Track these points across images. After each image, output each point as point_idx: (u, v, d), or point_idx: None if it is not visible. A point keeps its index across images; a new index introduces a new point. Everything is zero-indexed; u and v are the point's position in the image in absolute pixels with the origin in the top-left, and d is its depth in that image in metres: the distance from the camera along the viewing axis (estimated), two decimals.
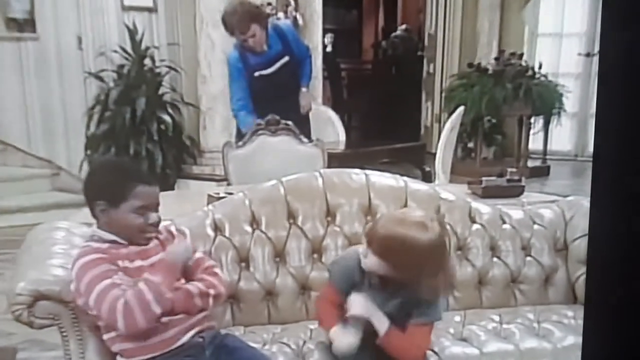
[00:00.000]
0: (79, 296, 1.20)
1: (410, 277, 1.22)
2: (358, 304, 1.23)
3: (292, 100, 2.84)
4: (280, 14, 3.91)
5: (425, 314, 1.26)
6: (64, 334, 1.24)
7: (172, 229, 1.37)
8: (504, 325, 1.52)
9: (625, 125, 0.44)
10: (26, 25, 3.99)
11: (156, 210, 1.27)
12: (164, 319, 1.22)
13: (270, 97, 2.71)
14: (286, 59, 2.77)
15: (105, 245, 1.24)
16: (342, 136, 3.54)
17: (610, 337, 0.46)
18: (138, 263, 1.24)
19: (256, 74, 2.72)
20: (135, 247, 1.26)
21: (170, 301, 1.20)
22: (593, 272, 0.48)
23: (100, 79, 3.78)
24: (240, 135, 2.71)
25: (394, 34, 6.76)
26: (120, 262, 1.23)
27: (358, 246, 1.33)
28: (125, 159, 1.32)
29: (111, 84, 3.77)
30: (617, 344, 0.46)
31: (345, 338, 1.24)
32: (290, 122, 2.55)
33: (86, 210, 2.99)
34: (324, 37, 4.69)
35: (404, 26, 6.79)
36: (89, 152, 3.78)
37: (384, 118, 5.99)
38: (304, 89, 2.90)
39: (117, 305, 1.15)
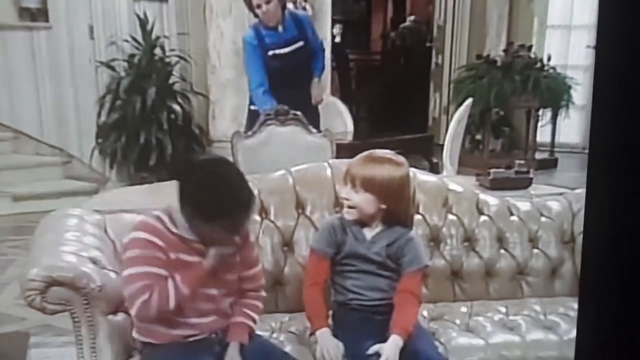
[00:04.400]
0: (120, 264, 1.24)
1: (394, 204, 1.35)
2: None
3: (304, 90, 2.88)
4: (290, 4, 3.92)
5: (414, 261, 1.36)
6: (76, 319, 1.26)
7: None
8: (510, 317, 1.52)
9: (621, 118, 0.44)
10: (39, 14, 4.02)
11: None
12: (193, 321, 1.22)
13: (283, 83, 2.74)
14: (301, 43, 2.82)
15: (164, 230, 1.20)
16: (350, 127, 3.56)
17: (604, 329, 0.46)
18: (196, 259, 1.20)
19: (270, 52, 2.76)
20: (196, 244, 1.22)
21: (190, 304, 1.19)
22: (588, 265, 0.48)
23: (112, 68, 3.80)
24: (251, 120, 2.73)
25: (402, 25, 6.72)
26: (172, 254, 1.19)
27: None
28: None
29: (122, 73, 3.79)
30: (611, 336, 0.46)
31: (333, 343, 1.30)
32: (299, 113, 2.57)
33: (97, 198, 3.00)
34: (332, 28, 4.69)
35: (412, 17, 6.74)
36: (100, 140, 3.83)
37: (392, 109, 5.98)
38: (316, 79, 2.94)
39: (138, 299, 1.17)
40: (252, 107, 2.83)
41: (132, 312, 1.20)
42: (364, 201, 1.33)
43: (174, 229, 1.21)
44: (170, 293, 1.17)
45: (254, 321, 1.29)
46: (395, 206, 1.35)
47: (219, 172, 1.18)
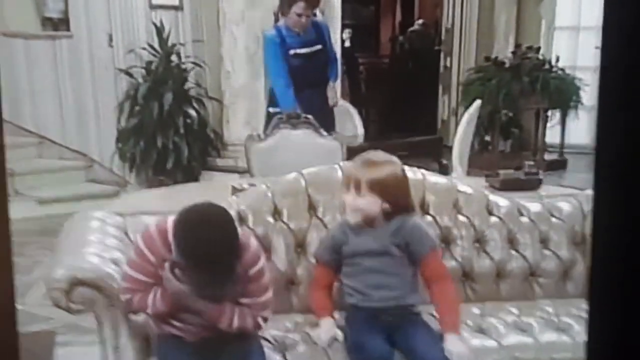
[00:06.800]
0: None
1: (396, 201, 1.38)
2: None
3: (322, 92, 3.03)
4: None
5: (425, 242, 1.40)
6: (99, 319, 1.30)
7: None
8: (523, 318, 1.52)
9: (627, 118, 0.43)
10: (61, 24, 4.15)
11: None
12: (178, 324, 1.25)
13: (303, 83, 2.87)
14: (319, 46, 2.98)
15: (161, 244, 1.23)
16: (361, 130, 3.64)
17: (615, 331, 0.45)
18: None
19: (291, 51, 2.90)
20: None
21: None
22: (597, 266, 0.47)
23: (130, 75, 3.92)
24: (269, 118, 2.82)
25: (411, 29, 6.78)
26: (160, 270, 1.22)
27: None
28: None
29: (140, 80, 3.91)
30: (622, 339, 0.45)
31: (330, 332, 1.35)
32: (310, 116, 2.66)
33: (118, 201, 3.11)
34: (342, 32, 4.79)
35: (421, 21, 6.80)
36: (119, 145, 3.95)
37: (401, 112, 6.04)
38: (331, 83, 3.10)
39: (123, 296, 1.25)
40: (271, 110, 2.94)
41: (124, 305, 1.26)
42: (370, 203, 1.36)
43: (172, 246, 1.21)
44: (148, 303, 1.23)
45: (243, 319, 1.25)
46: (397, 202, 1.38)
47: (199, 226, 1.18)
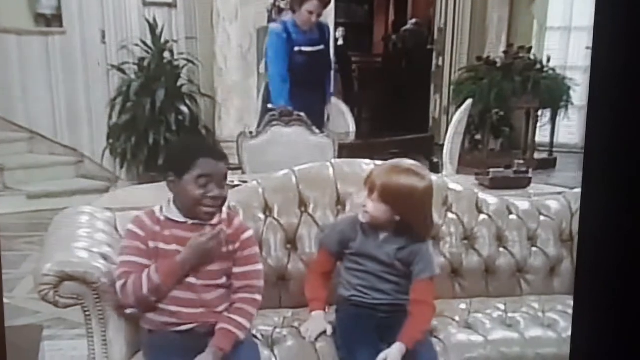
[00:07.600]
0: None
1: (409, 217, 1.35)
2: None
3: (318, 93, 3.04)
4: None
5: (426, 269, 1.37)
6: (87, 313, 1.29)
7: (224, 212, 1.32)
8: (509, 314, 1.54)
9: (616, 119, 0.45)
10: (54, 20, 4.15)
11: (220, 187, 1.26)
12: (173, 308, 1.25)
13: (302, 82, 2.88)
14: (322, 47, 3.00)
15: (150, 221, 1.28)
16: (353, 127, 3.65)
17: (599, 328, 0.47)
18: (174, 247, 1.26)
19: (296, 48, 2.91)
20: (178, 231, 1.27)
21: (166, 290, 1.24)
22: (583, 263, 0.48)
23: (122, 71, 3.92)
24: (265, 113, 2.83)
25: (404, 28, 6.80)
26: (151, 243, 1.26)
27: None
28: (196, 136, 1.23)
29: (132, 76, 3.90)
30: (606, 335, 0.46)
31: (319, 327, 1.35)
32: (302, 114, 2.68)
33: (108, 196, 3.10)
34: (335, 31, 4.80)
35: (414, 20, 6.83)
36: (111, 141, 3.95)
37: (393, 110, 6.07)
38: (332, 99, 3.13)
39: (118, 283, 1.26)
40: (270, 106, 2.93)
41: (119, 296, 1.26)
42: (378, 211, 1.34)
43: (162, 217, 1.27)
44: (143, 280, 1.23)
45: (243, 328, 1.27)
46: (411, 219, 1.36)
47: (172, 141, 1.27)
